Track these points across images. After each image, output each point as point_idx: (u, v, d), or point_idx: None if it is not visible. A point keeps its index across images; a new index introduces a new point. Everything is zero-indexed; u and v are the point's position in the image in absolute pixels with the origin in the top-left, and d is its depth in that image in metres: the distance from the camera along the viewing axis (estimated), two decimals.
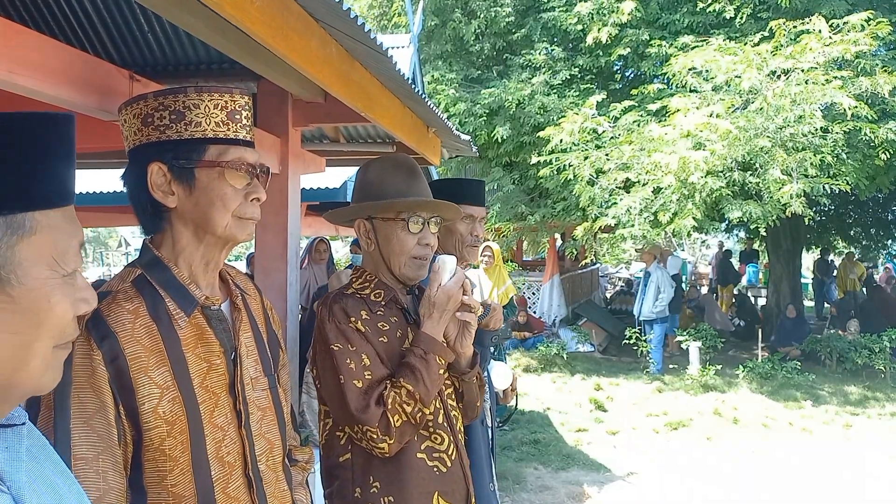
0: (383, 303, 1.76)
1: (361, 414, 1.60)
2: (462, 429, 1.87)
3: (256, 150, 1.37)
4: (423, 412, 1.63)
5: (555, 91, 9.17)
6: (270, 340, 1.52)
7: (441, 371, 1.66)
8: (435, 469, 1.69)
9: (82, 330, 1.18)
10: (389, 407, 1.59)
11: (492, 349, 6.30)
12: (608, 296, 18.10)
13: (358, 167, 1.90)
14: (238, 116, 1.32)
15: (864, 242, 15.63)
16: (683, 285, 17.70)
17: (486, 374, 2.62)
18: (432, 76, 9.46)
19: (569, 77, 9.33)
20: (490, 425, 2.72)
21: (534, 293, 12.26)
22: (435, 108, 2.70)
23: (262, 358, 1.45)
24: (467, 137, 3.46)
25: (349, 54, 1.81)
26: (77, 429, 1.15)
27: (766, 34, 7.34)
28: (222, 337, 1.34)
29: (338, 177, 5.54)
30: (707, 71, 7.11)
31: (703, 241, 22.43)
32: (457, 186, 2.59)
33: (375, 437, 1.60)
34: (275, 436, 1.44)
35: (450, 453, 1.72)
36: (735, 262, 17.38)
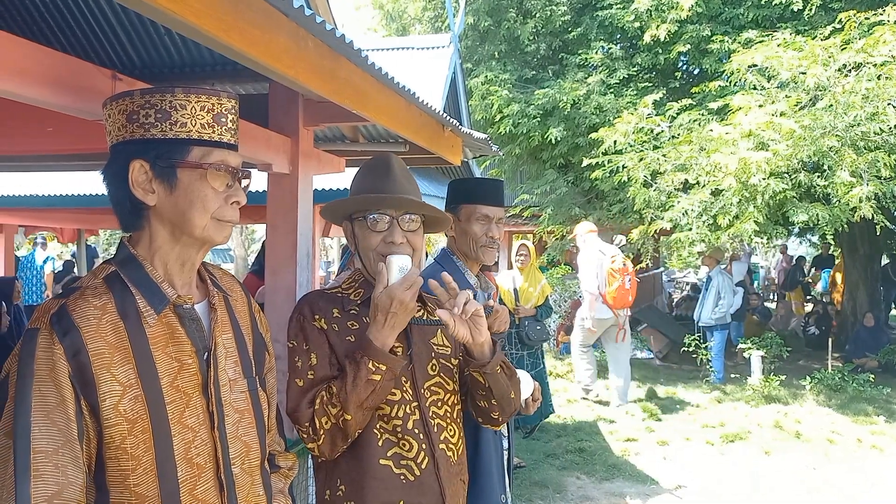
0: (359, 301, 1.73)
1: (294, 412, 1.62)
2: (454, 439, 1.74)
3: (239, 154, 1.39)
4: (345, 418, 1.56)
5: (612, 90, 8.95)
6: (255, 343, 1.52)
7: (375, 377, 1.56)
8: (402, 477, 1.63)
9: (46, 323, 1.19)
10: (317, 408, 1.59)
11: (525, 353, 6.10)
12: (673, 301, 17.51)
13: None
14: (224, 119, 1.33)
15: None
16: (756, 288, 16.96)
17: None
18: (486, 77, 9.37)
19: (626, 76, 9.10)
20: (506, 434, 2.63)
21: None
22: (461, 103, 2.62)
23: (242, 360, 1.44)
24: (483, 136, 3.37)
25: (332, 50, 1.76)
26: (37, 422, 1.15)
27: (837, 26, 6.93)
28: (195, 336, 1.34)
29: None
30: (769, 68, 6.75)
31: (775, 246, 21.43)
32: (472, 186, 2.55)
33: (306, 437, 1.61)
34: (252, 439, 1.42)
35: (419, 461, 1.65)
36: (806, 268, 16.59)
